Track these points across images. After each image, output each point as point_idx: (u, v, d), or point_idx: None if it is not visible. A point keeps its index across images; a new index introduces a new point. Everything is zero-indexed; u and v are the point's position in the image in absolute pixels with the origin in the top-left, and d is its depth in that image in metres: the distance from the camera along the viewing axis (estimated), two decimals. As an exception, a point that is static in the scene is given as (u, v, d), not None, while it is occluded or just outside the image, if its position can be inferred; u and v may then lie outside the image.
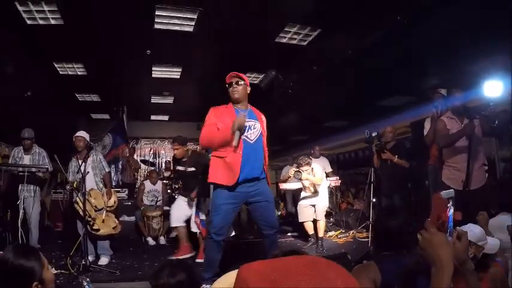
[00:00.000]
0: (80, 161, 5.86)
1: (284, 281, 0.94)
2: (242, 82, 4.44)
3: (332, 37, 7.28)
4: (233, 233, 6.12)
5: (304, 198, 7.07)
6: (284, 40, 7.70)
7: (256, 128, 4.37)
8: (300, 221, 7.10)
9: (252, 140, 4.31)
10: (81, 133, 6.28)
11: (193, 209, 6.16)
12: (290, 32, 7.38)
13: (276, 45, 7.86)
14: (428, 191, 6.67)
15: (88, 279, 2.57)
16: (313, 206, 6.91)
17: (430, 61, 7.06)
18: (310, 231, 7.01)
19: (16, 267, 1.95)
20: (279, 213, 10.59)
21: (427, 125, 6.16)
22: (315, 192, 6.91)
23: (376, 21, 6.43)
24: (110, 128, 11.45)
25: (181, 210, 6.32)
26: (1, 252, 3.15)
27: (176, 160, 6.53)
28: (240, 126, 4.09)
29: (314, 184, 6.88)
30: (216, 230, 4.24)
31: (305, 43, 7.78)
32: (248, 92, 4.51)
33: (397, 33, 6.28)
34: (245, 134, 4.26)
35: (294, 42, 7.76)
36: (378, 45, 6.76)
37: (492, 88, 4.66)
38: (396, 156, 6.83)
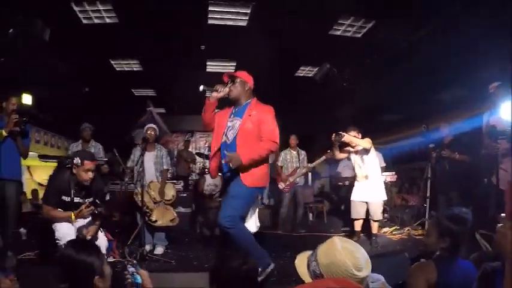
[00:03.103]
0: (143, 153, 5.93)
1: None
2: (238, 80, 4.31)
3: (387, 28, 7.11)
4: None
5: (356, 192, 6.57)
6: (338, 32, 7.60)
7: (235, 127, 4.22)
8: (351, 217, 6.70)
9: (229, 140, 4.23)
10: (153, 125, 6.47)
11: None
12: (344, 24, 7.27)
13: (330, 38, 7.76)
14: (487, 187, 6.40)
15: (135, 262, 2.61)
16: (366, 202, 6.44)
17: (489, 52, 6.76)
18: (358, 228, 6.65)
19: (78, 263, 1.99)
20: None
21: (486, 119, 5.94)
22: (367, 178, 6.39)
23: (431, 12, 6.22)
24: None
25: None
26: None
27: None
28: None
29: (366, 169, 6.38)
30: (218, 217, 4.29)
31: (360, 35, 7.65)
32: (248, 87, 4.33)
33: (454, 23, 6.06)
34: (226, 134, 4.26)
35: (349, 34, 7.65)
36: (433, 36, 6.54)
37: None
38: (456, 153, 6.62)
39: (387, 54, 7.85)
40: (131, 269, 2.21)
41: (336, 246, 1.94)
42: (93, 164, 4.30)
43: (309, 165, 8.23)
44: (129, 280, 2.20)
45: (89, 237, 4.15)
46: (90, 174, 4.24)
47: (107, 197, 4.44)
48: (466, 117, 7.35)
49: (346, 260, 1.88)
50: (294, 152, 8.32)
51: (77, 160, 4.21)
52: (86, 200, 4.29)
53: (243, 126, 4.15)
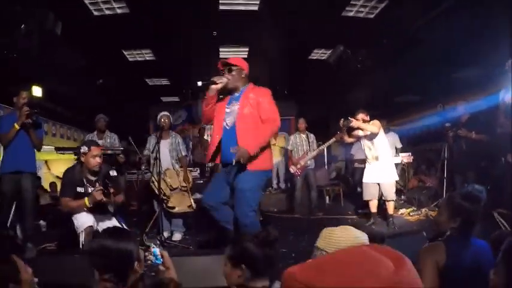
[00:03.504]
0: (157, 140, 5.96)
1: (333, 269, 1.03)
2: (234, 68, 4.21)
3: (400, 8, 7.00)
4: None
5: (368, 173, 6.64)
6: (351, 14, 7.50)
7: (234, 112, 4.16)
8: (364, 199, 6.75)
9: (228, 126, 4.18)
10: (167, 112, 6.52)
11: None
12: (356, 5, 7.17)
13: (343, 19, 7.66)
14: (504, 166, 6.32)
15: (158, 243, 2.66)
16: (378, 184, 6.50)
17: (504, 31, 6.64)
18: (374, 209, 6.64)
19: (119, 252, 1.98)
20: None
21: (502, 97, 5.86)
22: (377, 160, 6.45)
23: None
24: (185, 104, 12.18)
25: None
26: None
27: None
28: None
29: (376, 151, 6.45)
30: (204, 195, 4.42)
31: (372, 16, 7.54)
32: (244, 74, 4.27)
33: (469, 2, 5.94)
34: (225, 120, 4.21)
35: (361, 15, 7.54)
36: (448, 15, 6.43)
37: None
38: (473, 132, 6.56)
39: (402, 34, 7.74)
40: (155, 249, 2.26)
41: (330, 230, 2.05)
42: (99, 149, 4.62)
43: (319, 147, 8.23)
44: (149, 262, 2.24)
45: (99, 198, 4.28)
46: (98, 159, 4.53)
47: (113, 173, 4.64)
48: (482, 95, 7.27)
49: (344, 232, 1.99)
50: (303, 136, 8.29)
51: (84, 148, 4.47)
52: (97, 184, 4.48)
53: (242, 111, 4.11)
